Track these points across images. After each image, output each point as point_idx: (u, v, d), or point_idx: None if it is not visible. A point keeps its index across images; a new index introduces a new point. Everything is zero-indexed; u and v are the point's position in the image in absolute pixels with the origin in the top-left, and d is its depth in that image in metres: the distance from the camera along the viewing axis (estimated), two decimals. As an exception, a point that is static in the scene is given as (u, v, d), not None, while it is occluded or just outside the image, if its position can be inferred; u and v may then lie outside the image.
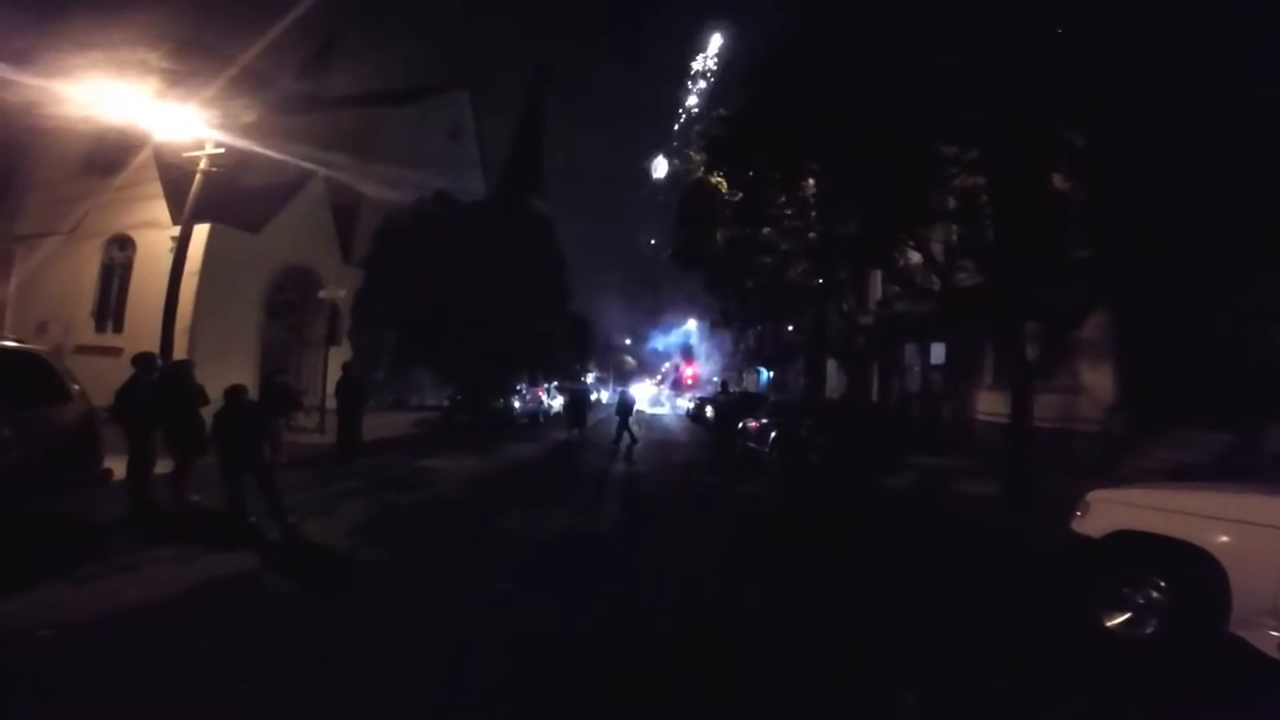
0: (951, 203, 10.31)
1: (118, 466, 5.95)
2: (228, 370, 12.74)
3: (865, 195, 9.82)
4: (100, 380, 6.70)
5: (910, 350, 18.93)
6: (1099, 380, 11.34)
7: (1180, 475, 8.16)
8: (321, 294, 15.62)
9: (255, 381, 14.87)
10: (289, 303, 20.26)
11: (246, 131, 13.57)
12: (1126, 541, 3.82)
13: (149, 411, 6.16)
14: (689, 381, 59.02)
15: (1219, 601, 3.17)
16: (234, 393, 5.94)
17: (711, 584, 4.89)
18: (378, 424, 14.66)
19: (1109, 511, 4.07)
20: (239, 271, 17.52)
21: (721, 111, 13.60)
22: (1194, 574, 3.33)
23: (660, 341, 74.05)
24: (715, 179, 12.69)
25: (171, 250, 12.23)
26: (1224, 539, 3.27)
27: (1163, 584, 3.54)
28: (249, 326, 18.42)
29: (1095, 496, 4.24)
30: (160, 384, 6.52)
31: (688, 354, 65.05)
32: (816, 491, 9.52)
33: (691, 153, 14.05)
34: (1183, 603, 3.42)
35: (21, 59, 11.91)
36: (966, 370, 15.49)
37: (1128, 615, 3.67)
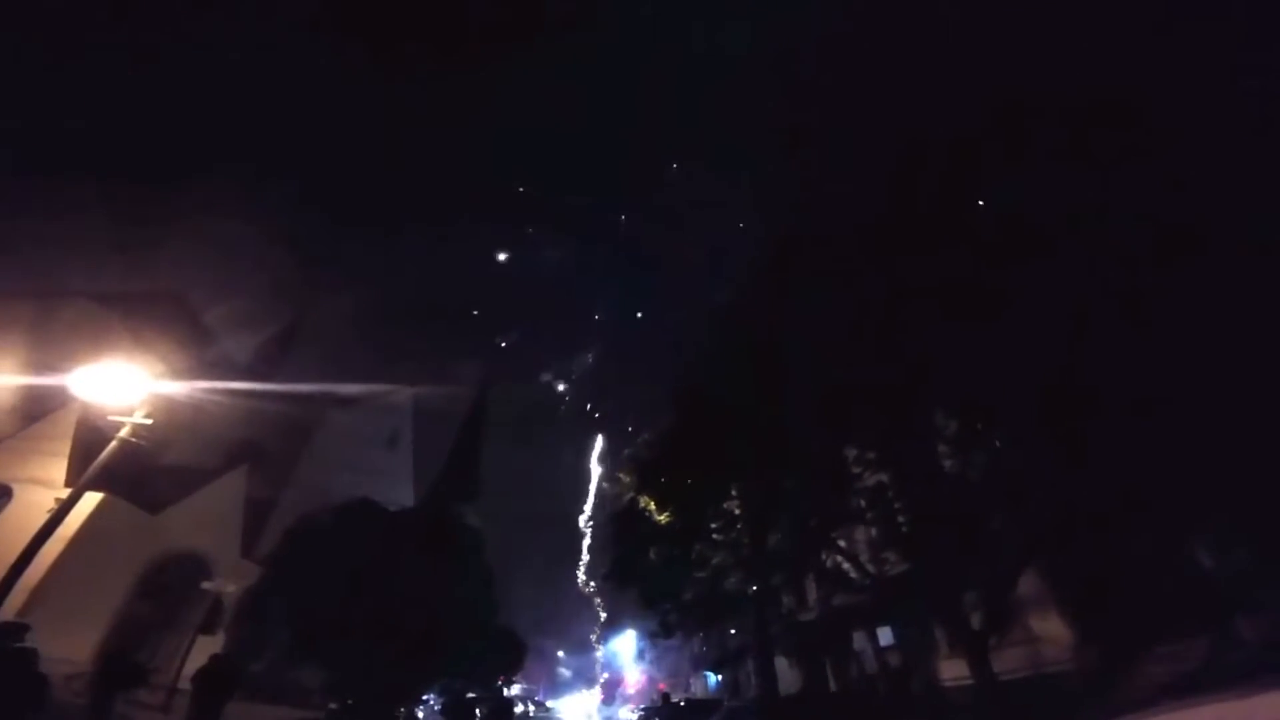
0: (861, 503, 11.09)
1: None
2: (69, 638, 10.64)
3: (784, 506, 10.54)
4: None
5: (859, 637, 18.01)
6: (1051, 626, 11.11)
7: (1173, 689, 7.61)
8: (206, 585, 14.10)
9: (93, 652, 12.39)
10: (166, 585, 17.65)
11: (182, 408, 13.36)
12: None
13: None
14: (630, 691, 53.69)
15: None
16: None
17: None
18: (244, 713, 12.49)
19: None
20: (119, 547, 15.69)
21: (646, 437, 14.90)
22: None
23: (600, 650, 66.85)
24: (645, 500, 13.21)
25: (50, 511, 10.98)
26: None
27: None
28: (106, 601, 15.78)
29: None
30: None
31: (629, 663, 58.55)
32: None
33: (621, 475, 14.74)
34: None
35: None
36: (921, 643, 14.73)
37: None
